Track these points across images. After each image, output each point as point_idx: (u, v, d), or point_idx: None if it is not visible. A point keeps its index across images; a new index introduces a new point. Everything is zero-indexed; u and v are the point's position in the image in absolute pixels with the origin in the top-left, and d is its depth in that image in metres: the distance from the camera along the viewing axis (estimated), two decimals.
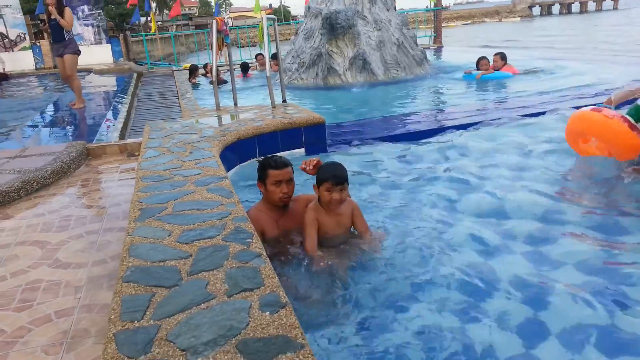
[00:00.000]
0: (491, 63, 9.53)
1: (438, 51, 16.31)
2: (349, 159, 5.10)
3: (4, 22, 16.79)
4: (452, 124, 6.01)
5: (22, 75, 15.59)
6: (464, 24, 65.84)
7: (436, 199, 3.91)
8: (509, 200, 3.75)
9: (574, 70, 9.77)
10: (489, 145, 5.15)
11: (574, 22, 43.30)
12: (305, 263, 2.82)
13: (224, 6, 77.73)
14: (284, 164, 3.04)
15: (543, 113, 6.17)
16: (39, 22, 8.12)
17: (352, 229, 3.12)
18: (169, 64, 18.44)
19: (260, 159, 3.17)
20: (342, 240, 3.02)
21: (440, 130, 5.86)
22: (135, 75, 13.11)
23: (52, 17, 7.24)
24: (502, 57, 9.54)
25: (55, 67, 17.12)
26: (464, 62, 11.50)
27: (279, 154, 4.88)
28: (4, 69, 16.46)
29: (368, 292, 2.61)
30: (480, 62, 9.57)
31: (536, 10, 77.08)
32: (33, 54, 17.20)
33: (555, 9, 77.95)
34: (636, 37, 21.15)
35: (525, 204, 3.66)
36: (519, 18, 69.89)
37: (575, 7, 77.20)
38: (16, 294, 2.40)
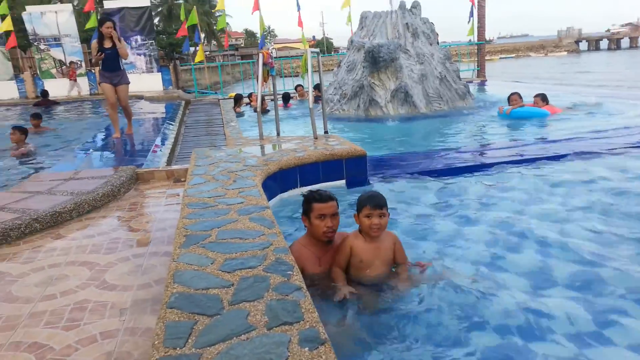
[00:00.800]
0: (529, 102, 9.31)
1: (482, 85, 16.22)
2: (390, 192, 5.09)
3: (63, 50, 17.87)
4: (492, 161, 5.93)
5: (77, 100, 16.46)
6: (507, 57, 65.30)
7: (477, 235, 3.85)
8: (552, 240, 3.65)
9: (616, 110, 9.39)
10: (531, 184, 5.05)
11: (625, 58, 42.19)
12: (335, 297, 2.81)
13: (268, 37, 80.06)
14: (329, 197, 3.06)
15: (565, 156, 5.92)
16: (89, 52, 8.15)
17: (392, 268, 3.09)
18: (215, 92, 19.06)
19: (305, 193, 3.20)
20: (380, 273, 2.98)
21: (480, 166, 5.79)
22: (183, 102, 13.62)
23: (108, 46, 7.35)
24: (543, 98, 9.18)
25: (100, 93, 18.14)
26: (507, 96, 11.38)
27: (319, 185, 4.99)
28: (79, 92, 17.67)
29: (405, 329, 2.58)
30: (511, 97, 9.33)
31: (583, 45, 75.71)
32: (88, 80, 18.16)
33: (603, 44, 76.39)
34: None
35: (571, 244, 3.56)
36: (565, 53, 68.80)
37: (625, 42, 75.41)
38: (65, 313, 2.50)
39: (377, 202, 2.91)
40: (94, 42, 7.48)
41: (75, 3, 34.78)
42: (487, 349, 2.45)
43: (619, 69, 31.03)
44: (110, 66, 7.54)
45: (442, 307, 2.78)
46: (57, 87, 17.14)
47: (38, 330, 2.34)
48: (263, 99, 12.19)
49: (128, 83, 7.79)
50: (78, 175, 5.16)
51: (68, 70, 17.99)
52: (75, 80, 18.02)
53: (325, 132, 6.47)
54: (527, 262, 3.39)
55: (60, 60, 17.93)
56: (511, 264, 3.36)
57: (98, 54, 7.33)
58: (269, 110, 11.51)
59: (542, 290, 3.00)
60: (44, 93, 15.59)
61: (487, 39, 21.36)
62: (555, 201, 4.53)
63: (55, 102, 15.23)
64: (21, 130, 7.89)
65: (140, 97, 15.01)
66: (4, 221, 3.64)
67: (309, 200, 3.07)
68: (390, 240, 3.06)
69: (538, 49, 72.74)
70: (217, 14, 49.03)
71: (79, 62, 18.11)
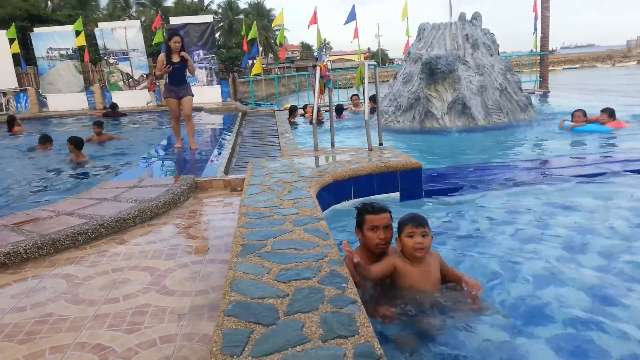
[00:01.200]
0: (594, 116, 8.88)
1: (544, 96, 15.64)
2: (444, 207, 4.98)
3: (131, 64, 18.81)
4: (557, 174, 5.67)
5: (142, 111, 17.24)
6: (572, 68, 62.69)
7: (536, 252, 3.68)
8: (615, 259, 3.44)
9: None
10: (594, 202, 4.79)
11: None
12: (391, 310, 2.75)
13: (324, 50, 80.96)
14: (381, 209, 3.03)
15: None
16: (166, 64, 8.06)
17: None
18: (271, 104, 19.43)
19: (359, 205, 3.18)
20: (431, 296, 2.83)
21: (542, 181, 5.55)
22: (240, 114, 13.96)
23: (176, 60, 7.39)
24: (611, 114, 8.69)
25: (163, 105, 18.88)
26: (571, 108, 10.91)
27: (373, 197, 4.95)
28: (147, 103, 18.54)
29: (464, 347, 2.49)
30: (575, 114, 8.95)
31: None
32: (153, 92, 18.99)
33: None
34: None
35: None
36: (635, 62, 65.20)
37: None
38: (127, 316, 2.60)
39: (419, 221, 2.85)
40: (162, 55, 7.53)
41: (142, 19, 36.67)
42: None
43: None
44: (177, 80, 7.61)
45: (502, 326, 2.68)
46: (123, 99, 18.00)
47: (101, 332, 2.44)
48: (319, 111, 12.33)
49: (192, 95, 7.85)
50: (142, 183, 5.39)
51: (146, 81, 18.70)
52: (154, 91, 18.62)
53: (380, 144, 6.44)
54: (589, 281, 3.20)
55: (127, 74, 18.88)
56: (575, 282, 3.19)
57: (167, 67, 7.38)
58: (323, 122, 11.60)
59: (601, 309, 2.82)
60: (113, 106, 16.41)
61: (550, 49, 20.62)
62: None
63: (123, 114, 16.01)
64: (71, 141, 8.18)
65: (200, 109, 15.53)
66: (73, 226, 3.85)
67: (362, 212, 3.05)
68: (436, 261, 2.95)
69: (605, 59, 69.35)
70: (276, 28, 50.23)
71: (144, 75, 18.99)
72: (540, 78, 17.40)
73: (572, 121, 8.97)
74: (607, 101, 12.85)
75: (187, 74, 7.67)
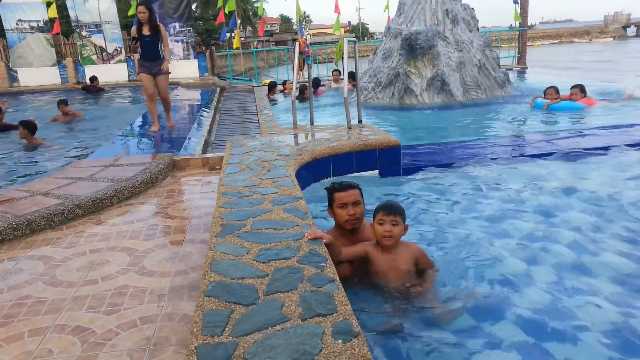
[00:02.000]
0: (566, 94, 9.00)
1: (522, 72, 15.77)
2: (423, 184, 5.04)
3: (104, 37, 18.29)
4: (530, 153, 5.78)
5: (116, 86, 16.86)
6: (550, 44, 63.16)
7: (509, 228, 3.79)
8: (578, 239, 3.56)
9: None
10: (563, 177, 4.91)
11: None
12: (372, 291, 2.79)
13: (304, 23, 79.79)
14: (349, 186, 3.06)
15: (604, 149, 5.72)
16: (129, 39, 7.74)
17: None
18: (250, 79, 19.16)
19: (328, 186, 3.18)
20: (396, 286, 2.82)
21: (517, 158, 5.65)
22: (218, 89, 13.77)
23: (147, 33, 6.96)
24: (582, 89, 8.85)
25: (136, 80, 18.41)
26: (548, 84, 11.02)
27: (353, 174, 4.99)
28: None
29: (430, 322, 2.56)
30: (547, 91, 9.01)
31: (631, 30, 72.37)
32: (127, 66, 18.55)
33: None
34: None
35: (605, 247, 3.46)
36: (611, 39, 65.97)
37: None
38: (106, 297, 2.60)
39: (391, 210, 2.83)
40: (133, 29, 7.11)
41: None
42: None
43: None
44: (150, 55, 7.10)
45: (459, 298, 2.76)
46: (97, 73, 17.53)
47: (81, 314, 2.44)
48: (306, 88, 12.19)
49: (168, 73, 7.39)
50: (118, 162, 5.31)
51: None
52: None
53: (360, 121, 6.44)
54: (555, 256, 3.31)
55: (100, 47, 18.36)
56: (542, 257, 3.30)
57: (133, 43, 7.06)
58: (305, 98, 11.53)
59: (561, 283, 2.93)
60: (92, 78, 15.83)
61: (530, 24, 20.69)
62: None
63: (102, 89, 15.57)
64: (24, 125, 7.58)
65: (176, 84, 15.25)
66: (49, 206, 3.79)
67: (331, 190, 3.08)
68: (409, 252, 2.91)
69: (582, 34, 69.95)
70: (254, 0, 49.21)
71: (119, 49, 18.48)
72: (518, 54, 17.50)
73: (545, 98, 9.07)
74: (581, 78, 13.04)
75: (162, 48, 7.24)
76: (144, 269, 2.91)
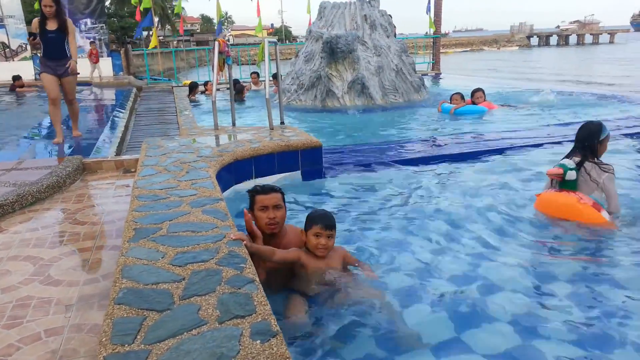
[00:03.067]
0: (467, 98, 9.61)
1: (436, 78, 16.53)
2: (344, 185, 5.14)
3: (7, 32, 16.96)
4: (444, 153, 6.10)
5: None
6: (463, 51, 66.84)
7: (429, 226, 3.95)
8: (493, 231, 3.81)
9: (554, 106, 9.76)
10: (478, 177, 5.23)
11: (570, 54, 44.04)
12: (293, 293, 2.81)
13: (225, 24, 78.57)
14: (271, 189, 3.05)
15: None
16: (28, 35, 6.89)
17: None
18: (169, 79, 18.58)
19: (250, 189, 3.16)
20: (326, 287, 2.87)
21: (433, 159, 5.93)
22: (134, 90, 13.20)
23: (51, 28, 6.01)
24: (483, 92, 9.56)
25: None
26: (461, 89, 11.64)
27: (275, 176, 4.98)
28: (100, 77, 16.03)
29: (359, 321, 2.61)
30: (453, 97, 9.62)
31: (534, 40, 78.40)
32: (33, 64, 17.31)
33: (553, 40, 79.40)
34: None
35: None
36: (516, 47, 71.04)
37: (573, 38, 78.68)
38: (6, 310, 2.39)
39: (327, 223, 2.88)
40: (35, 21, 6.11)
41: None
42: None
43: (563, 64, 32.42)
44: (54, 53, 6.11)
45: (394, 296, 2.85)
46: (0, 71, 16.23)
47: None
48: (243, 88, 12.00)
49: (77, 74, 6.38)
50: (21, 165, 4.93)
51: (89, 51, 16.00)
52: (97, 61, 16.04)
53: (282, 122, 6.44)
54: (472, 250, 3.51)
55: (3, 43, 17.00)
56: (457, 253, 3.48)
57: (30, 39, 6.14)
58: (245, 101, 11.41)
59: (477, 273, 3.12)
60: (16, 77, 14.17)
61: (443, 32, 21.77)
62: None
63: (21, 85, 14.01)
64: None
65: (88, 84, 14.43)
66: None
67: (252, 193, 3.06)
68: (338, 256, 3.00)
69: (491, 43, 74.73)
70: None
71: (24, 45, 17.15)
72: (433, 60, 18.34)
73: (450, 103, 9.55)
74: (493, 83, 13.91)
75: (68, 46, 6.18)
76: (49, 278, 2.71)
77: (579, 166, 3.87)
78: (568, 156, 4.00)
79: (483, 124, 8.45)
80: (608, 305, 2.77)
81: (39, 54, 6.67)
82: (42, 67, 6.23)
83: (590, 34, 77.76)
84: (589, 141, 3.89)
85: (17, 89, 13.64)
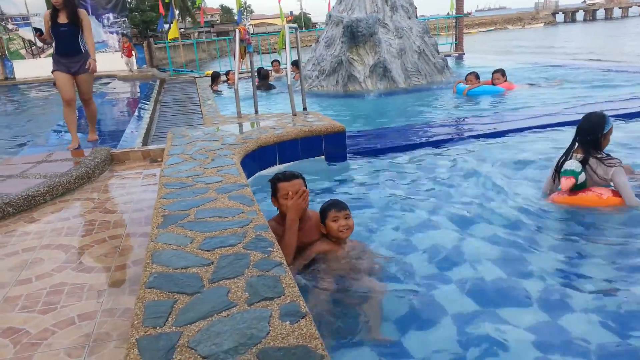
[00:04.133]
0: (488, 79, 9.32)
1: (459, 59, 16.22)
2: (368, 168, 5.10)
3: (33, 30, 17.31)
4: (473, 134, 5.98)
5: (49, 81, 15.99)
6: (487, 31, 65.39)
7: (455, 210, 3.88)
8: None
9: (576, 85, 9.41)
10: (508, 155, 5.11)
11: (597, 30, 42.58)
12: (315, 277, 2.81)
13: (245, 14, 78.57)
14: (293, 175, 3.05)
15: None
16: (34, 30, 5.85)
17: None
18: (191, 70, 18.70)
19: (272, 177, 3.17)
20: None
21: (459, 140, 5.83)
22: (158, 81, 13.35)
23: (63, 22, 5.45)
24: (503, 73, 9.25)
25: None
26: (485, 69, 11.38)
27: (298, 161, 4.96)
28: (130, 70, 16.00)
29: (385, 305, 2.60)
30: (468, 77, 9.33)
31: (560, 16, 76.11)
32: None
33: (580, 15, 76.97)
34: None
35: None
36: (542, 25, 69.15)
37: (600, 13, 76.07)
38: (41, 296, 2.46)
39: (341, 205, 2.97)
40: (46, 14, 5.56)
41: None
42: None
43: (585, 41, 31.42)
44: (66, 48, 5.51)
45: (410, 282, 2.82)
46: (27, 68, 16.62)
47: (13, 315, 2.30)
48: (268, 74, 12.00)
49: (94, 72, 5.67)
50: (51, 157, 5.04)
51: (121, 46, 15.89)
52: (130, 56, 15.82)
53: (304, 108, 6.41)
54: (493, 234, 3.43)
55: (29, 41, 17.35)
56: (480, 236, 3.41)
57: (37, 34, 5.65)
58: (274, 87, 11.38)
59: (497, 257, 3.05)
60: None
61: (465, 12, 21.33)
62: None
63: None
64: None
65: (113, 77, 14.64)
66: None
67: (274, 181, 3.07)
68: (361, 249, 3.06)
69: (515, 21, 72.88)
70: None
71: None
72: (456, 41, 17.99)
73: (465, 84, 9.30)
74: (516, 62, 13.58)
75: (83, 40, 5.59)
76: (81, 265, 2.77)
77: (583, 164, 3.60)
78: (568, 152, 3.73)
79: (496, 105, 8.20)
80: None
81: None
82: (54, 64, 5.60)
83: (619, 7, 74.96)
84: (592, 135, 3.60)
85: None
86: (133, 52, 16.42)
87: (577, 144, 3.72)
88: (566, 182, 3.58)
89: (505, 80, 9.19)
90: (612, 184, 3.60)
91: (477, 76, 9.27)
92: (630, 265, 2.92)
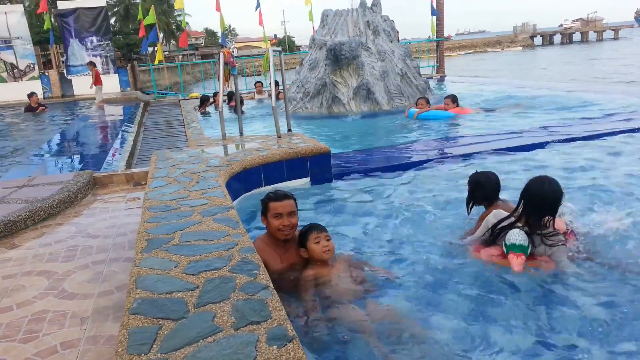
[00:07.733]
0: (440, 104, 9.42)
1: (441, 81, 16.50)
2: (353, 189, 5.12)
3: (15, 53, 17.19)
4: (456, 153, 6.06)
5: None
6: (466, 54, 66.74)
7: (444, 227, 3.91)
8: None
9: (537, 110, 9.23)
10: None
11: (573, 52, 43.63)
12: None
13: (229, 36, 79.14)
14: (285, 196, 3.06)
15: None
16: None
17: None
18: (176, 93, 18.71)
19: (264, 197, 3.18)
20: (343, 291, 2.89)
21: (443, 159, 5.90)
22: (142, 104, 13.31)
23: None
24: (453, 99, 9.32)
25: (63, 96, 17.39)
26: (466, 91, 11.59)
27: (284, 183, 4.97)
28: (101, 99, 14.54)
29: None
30: (419, 101, 9.46)
31: (538, 39, 78.10)
32: (42, 83, 17.53)
33: (557, 38, 79.08)
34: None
35: None
36: (520, 48, 70.83)
37: (577, 36, 78.26)
38: (22, 325, 2.40)
39: (321, 227, 3.01)
40: None
41: (26, 4, 33.47)
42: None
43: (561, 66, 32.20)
44: None
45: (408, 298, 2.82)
46: (8, 92, 16.45)
47: None
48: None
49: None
50: (32, 182, 4.97)
51: (91, 73, 14.50)
52: (99, 84, 14.30)
53: (289, 130, 6.45)
54: None
55: (11, 64, 17.24)
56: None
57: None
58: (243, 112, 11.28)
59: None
60: (30, 94, 13.70)
61: (445, 35, 21.78)
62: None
63: (44, 107, 13.64)
64: None
65: (95, 99, 14.55)
66: None
67: (266, 200, 3.07)
68: (344, 262, 3.07)
69: (495, 44, 74.55)
70: (176, 12, 48.16)
71: (31, 65, 17.24)
72: (437, 63, 18.32)
73: (416, 108, 9.39)
74: (487, 83, 13.84)
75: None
76: (64, 292, 2.72)
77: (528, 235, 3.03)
78: (514, 220, 3.10)
79: (436, 130, 8.17)
80: None
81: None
82: None
83: (594, 31, 77.28)
84: (551, 211, 3.00)
85: (38, 109, 13.14)
86: (107, 75, 15.63)
87: (524, 215, 3.08)
88: (518, 261, 2.97)
89: (457, 106, 9.29)
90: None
91: (427, 101, 9.44)
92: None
